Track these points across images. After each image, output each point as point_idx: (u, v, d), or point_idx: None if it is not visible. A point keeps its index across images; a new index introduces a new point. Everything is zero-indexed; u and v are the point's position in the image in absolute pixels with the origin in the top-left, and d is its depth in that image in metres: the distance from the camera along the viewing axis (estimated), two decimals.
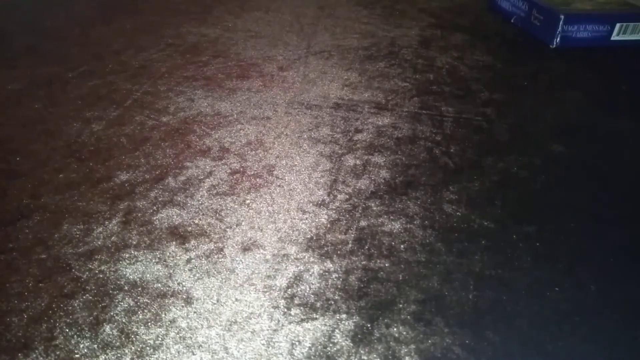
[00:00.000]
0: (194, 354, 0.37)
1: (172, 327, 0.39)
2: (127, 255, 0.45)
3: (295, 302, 0.41)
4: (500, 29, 0.98)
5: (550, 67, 0.83)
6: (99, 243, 0.46)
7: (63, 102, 0.69)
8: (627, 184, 0.56)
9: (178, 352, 0.37)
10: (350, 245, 0.47)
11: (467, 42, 0.92)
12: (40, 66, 0.79)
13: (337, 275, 0.44)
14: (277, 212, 0.51)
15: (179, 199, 0.52)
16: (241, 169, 0.57)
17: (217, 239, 0.47)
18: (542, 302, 0.41)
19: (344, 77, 0.78)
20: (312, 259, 0.45)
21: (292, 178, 0.55)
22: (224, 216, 0.50)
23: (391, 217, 0.50)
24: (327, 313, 0.40)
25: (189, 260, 0.45)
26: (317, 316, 0.40)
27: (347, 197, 0.53)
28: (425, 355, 0.37)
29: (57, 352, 0.37)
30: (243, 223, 0.49)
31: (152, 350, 0.37)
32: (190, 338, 0.38)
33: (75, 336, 0.38)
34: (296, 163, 0.58)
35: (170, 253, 0.45)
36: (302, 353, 0.37)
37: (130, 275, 0.43)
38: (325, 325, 0.39)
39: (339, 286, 0.43)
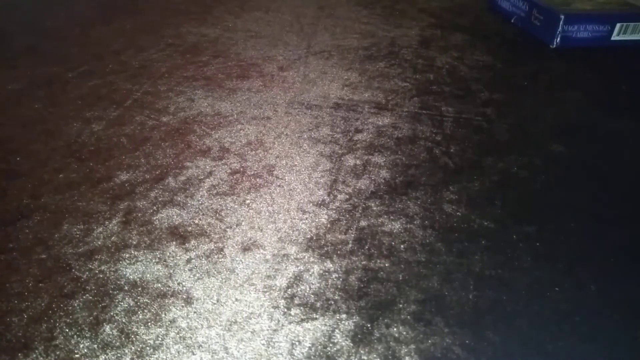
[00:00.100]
0: (194, 354, 0.37)
1: (172, 327, 0.39)
2: (127, 255, 0.45)
3: (295, 302, 0.41)
4: (500, 29, 0.98)
5: (550, 67, 0.83)
6: (99, 243, 0.46)
7: (63, 102, 0.69)
8: (627, 184, 0.56)
9: (178, 352, 0.37)
10: (350, 245, 0.47)
11: (467, 42, 0.92)
12: (40, 66, 0.79)
13: (337, 275, 0.44)
14: (277, 212, 0.51)
15: (179, 199, 0.52)
16: (241, 169, 0.57)
17: (217, 239, 0.47)
18: (542, 302, 0.41)
19: (344, 77, 0.78)
20: (312, 259, 0.45)
21: (292, 178, 0.55)
22: (224, 216, 0.50)
23: (391, 217, 0.50)
24: (327, 313, 0.40)
25: (189, 260, 0.45)
26: (317, 316, 0.40)
27: (347, 197, 0.53)
28: (425, 355, 0.37)
29: (57, 352, 0.37)
30: (243, 223, 0.49)
31: (152, 350, 0.37)
32: (190, 338, 0.38)
33: (75, 336, 0.38)
34: (296, 163, 0.58)
35: (170, 253, 0.45)
36: (302, 353, 0.37)
37: (130, 275, 0.43)
38: (325, 325, 0.39)
39: (339, 286, 0.43)
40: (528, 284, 0.43)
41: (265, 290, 0.42)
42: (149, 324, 0.39)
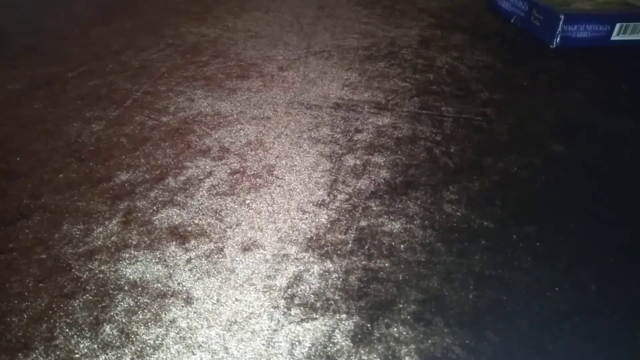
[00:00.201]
0: (194, 354, 0.37)
1: (172, 327, 0.39)
2: (127, 255, 0.45)
3: (295, 302, 0.41)
4: (500, 29, 0.98)
5: (550, 67, 0.83)
6: (99, 243, 0.46)
7: (63, 102, 0.69)
8: (627, 184, 0.56)
9: (178, 352, 0.37)
10: (350, 245, 0.47)
11: (467, 42, 0.92)
12: (40, 66, 0.79)
13: (337, 275, 0.44)
14: (277, 212, 0.51)
15: (179, 199, 0.52)
16: (241, 169, 0.57)
17: (217, 239, 0.47)
18: (542, 302, 0.41)
19: (344, 77, 0.78)
20: (312, 259, 0.45)
21: (292, 178, 0.55)
22: (224, 216, 0.50)
23: (391, 217, 0.50)
24: (327, 313, 0.40)
25: (189, 260, 0.45)
26: (317, 316, 0.40)
27: (347, 197, 0.53)
28: (425, 355, 0.37)
29: (57, 352, 0.37)
30: (243, 223, 0.49)
31: (152, 350, 0.37)
32: (190, 338, 0.38)
33: (75, 336, 0.38)
34: (296, 163, 0.58)
35: (170, 253, 0.45)
36: (302, 353, 0.37)
37: (130, 275, 0.43)
38: (325, 325, 0.39)
39: (339, 286, 0.43)
40: (528, 284, 0.43)
41: (265, 290, 0.42)
42: (149, 324, 0.39)
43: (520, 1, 0.97)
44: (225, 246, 0.46)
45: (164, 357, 0.37)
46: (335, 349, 0.37)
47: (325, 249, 0.46)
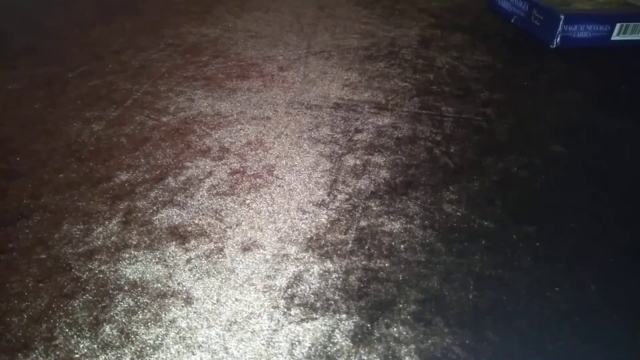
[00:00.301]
0: (194, 354, 0.37)
1: (172, 327, 0.39)
2: (127, 255, 0.45)
3: (295, 302, 0.41)
4: (500, 29, 0.98)
5: (550, 67, 0.83)
6: (99, 243, 0.46)
7: (63, 102, 0.69)
8: (627, 184, 0.56)
9: (178, 352, 0.37)
10: (350, 245, 0.47)
11: (467, 42, 0.92)
12: (40, 66, 0.79)
13: (337, 275, 0.44)
14: (277, 212, 0.51)
15: (179, 199, 0.52)
16: (241, 169, 0.57)
17: (217, 239, 0.47)
18: (542, 302, 0.41)
19: (344, 77, 0.78)
20: (312, 259, 0.45)
21: (292, 178, 0.55)
22: (224, 216, 0.50)
23: (391, 217, 0.50)
24: (327, 313, 0.40)
25: (189, 260, 0.45)
26: (317, 316, 0.40)
27: (347, 197, 0.53)
28: (425, 355, 0.37)
29: (57, 352, 0.37)
30: (243, 223, 0.49)
31: (152, 350, 0.37)
32: (190, 338, 0.38)
33: (75, 336, 0.38)
34: (296, 163, 0.58)
35: (170, 253, 0.45)
36: (302, 353, 0.37)
37: (130, 275, 0.43)
38: (325, 325, 0.39)
39: (339, 286, 0.43)
40: (528, 284, 0.43)
41: (265, 290, 0.42)
42: (149, 324, 0.39)
43: (520, 1, 0.97)
44: (225, 246, 0.46)
45: (164, 357, 0.37)
46: (335, 349, 0.37)
47: (325, 249, 0.46)
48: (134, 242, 0.46)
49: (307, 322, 0.39)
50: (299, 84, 0.75)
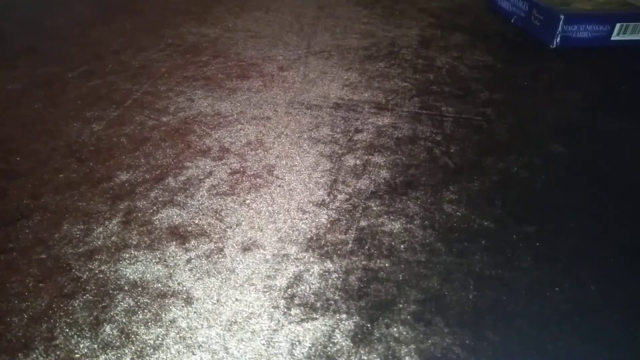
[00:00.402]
0: (194, 354, 0.37)
1: (172, 327, 0.39)
2: (127, 255, 0.45)
3: (295, 302, 0.41)
4: (500, 29, 0.98)
5: (550, 67, 0.83)
6: (99, 243, 0.46)
7: (63, 102, 0.69)
8: (627, 184, 0.56)
9: (178, 352, 0.37)
10: (350, 245, 0.47)
11: (467, 42, 0.92)
12: (40, 66, 0.79)
13: (337, 275, 0.44)
14: (277, 212, 0.51)
15: (179, 199, 0.52)
16: (241, 169, 0.57)
17: (217, 239, 0.47)
18: (542, 302, 0.41)
19: (344, 77, 0.78)
20: (312, 259, 0.45)
21: (292, 178, 0.55)
22: (224, 216, 0.50)
23: (391, 217, 0.50)
24: (327, 313, 0.40)
25: (189, 260, 0.45)
26: (317, 316, 0.40)
27: (347, 197, 0.53)
28: (425, 355, 0.37)
29: (57, 352, 0.37)
30: (243, 223, 0.49)
31: (152, 350, 0.37)
32: (190, 338, 0.38)
33: (75, 336, 0.38)
34: (296, 163, 0.58)
35: (170, 253, 0.45)
36: (302, 353, 0.37)
37: (130, 275, 0.43)
38: (325, 325, 0.39)
39: (339, 286, 0.43)
40: (528, 284, 0.43)
41: (265, 290, 0.42)
42: (149, 324, 0.39)
43: (520, 1, 0.97)
44: (225, 246, 0.46)
45: (164, 357, 0.37)
46: (335, 349, 0.37)
47: (325, 249, 0.46)
48: (134, 242, 0.46)
49: (307, 322, 0.39)
50: (299, 84, 0.75)
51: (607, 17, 0.88)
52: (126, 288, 0.42)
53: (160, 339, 0.38)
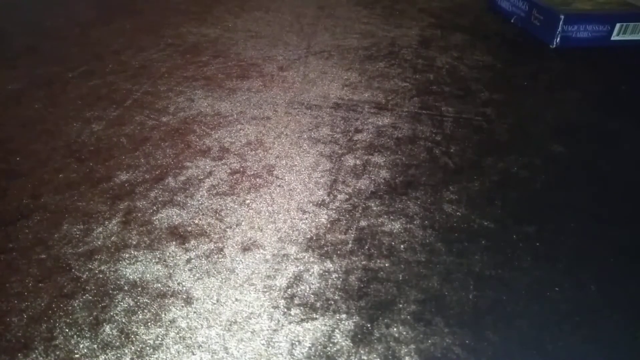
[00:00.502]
0: (194, 354, 0.37)
1: (172, 327, 0.39)
2: (127, 255, 0.45)
3: (295, 302, 0.41)
4: (500, 29, 0.98)
5: (550, 67, 0.83)
6: (99, 243, 0.46)
7: (63, 102, 0.69)
8: (627, 184, 0.56)
9: (178, 352, 0.37)
10: (350, 245, 0.47)
11: (467, 42, 0.92)
12: (40, 66, 0.79)
13: (337, 275, 0.44)
14: (277, 212, 0.51)
15: (179, 199, 0.52)
16: (241, 169, 0.57)
17: (217, 239, 0.47)
18: (542, 302, 0.41)
19: (344, 77, 0.78)
20: (312, 259, 0.45)
21: (292, 178, 0.55)
22: (224, 216, 0.50)
23: (391, 217, 0.50)
24: (327, 313, 0.40)
25: (189, 260, 0.45)
26: (317, 316, 0.40)
27: (347, 197, 0.53)
28: (425, 355, 0.37)
29: (57, 352, 0.37)
30: (243, 223, 0.49)
31: (152, 350, 0.37)
32: (190, 338, 0.38)
33: (75, 336, 0.38)
34: (296, 163, 0.58)
35: (170, 253, 0.45)
36: (302, 353, 0.37)
37: (130, 275, 0.43)
38: (325, 325, 0.39)
39: (339, 286, 0.43)
40: (528, 284, 0.43)
41: (265, 290, 0.42)
42: (149, 324, 0.39)
43: (520, 1, 0.97)
44: (225, 246, 0.46)
45: (164, 357, 0.37)
46: (335, 349, 0.37)
47: (325, 249, 0.46)
48: (134, 242, 0.46)
49: (307, 322, 0.39)
50: (299, 84, 0.75)
51: (607, 17, 0.88)
52: (126, 288, 0.42)
53: (160, 339, 0.38)
